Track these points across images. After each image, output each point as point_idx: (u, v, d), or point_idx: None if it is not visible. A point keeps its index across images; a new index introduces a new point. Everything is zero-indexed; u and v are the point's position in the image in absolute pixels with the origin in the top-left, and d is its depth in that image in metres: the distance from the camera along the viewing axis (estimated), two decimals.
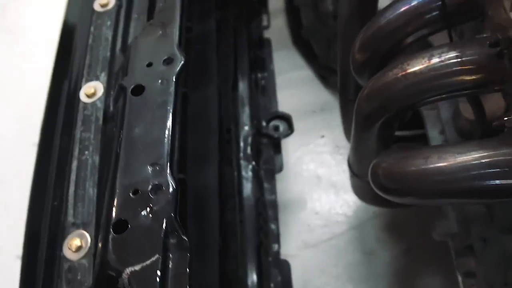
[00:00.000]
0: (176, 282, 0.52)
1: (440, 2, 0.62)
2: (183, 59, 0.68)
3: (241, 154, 1.22)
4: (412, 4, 0.66)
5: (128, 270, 0.53)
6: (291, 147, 1.53)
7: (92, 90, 0.74)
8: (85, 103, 0.74)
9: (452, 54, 0.59)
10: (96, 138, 0.69)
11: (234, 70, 1.34)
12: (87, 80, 0.76)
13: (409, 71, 0.62)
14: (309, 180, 1.50)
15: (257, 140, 1.26)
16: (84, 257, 0.61)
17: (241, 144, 1.24)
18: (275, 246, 1.19)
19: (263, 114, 1.34)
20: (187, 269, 0.53)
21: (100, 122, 0.71)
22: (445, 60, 0.59)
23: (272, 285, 1.13)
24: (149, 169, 0.59)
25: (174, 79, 0.66)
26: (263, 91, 1.41)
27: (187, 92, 1.09)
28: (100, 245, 0.57)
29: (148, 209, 0.56)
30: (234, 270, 1.09)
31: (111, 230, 0.56)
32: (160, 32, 0.72)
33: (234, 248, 1.10)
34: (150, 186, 0.58)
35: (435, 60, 0.60)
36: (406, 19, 0.67)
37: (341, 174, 1.51)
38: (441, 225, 1.00)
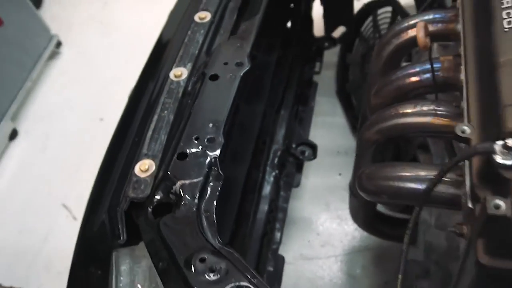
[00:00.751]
0: (209, 198, 0.79)
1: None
2: (249, 65, 0.96)
3: (269, 162, 1.49)
4: (415, 71, 0.93)
5: (180, 182, 0.81)
6: (311, 173, 1.79)
7: (179, 73, 1.04)
8: (172, 80, 1.03)
9: (431, 107, 0.86)
10: (175, 104, 0.98)
11: (281, 98, 1.63)
12: (177, 65, 1.05)
13: (399, 112, 0.89)
14: (319, 206, 1.76)
15: (284, 156, 1.54)
16: (148, 176, 0.88)
17: (271, 155, 1.51)
18: (276, 242, 1.44)
19: (295, 139, 1.62)
20: (217, 193, 0.80)
21: (180, 94, 1.00)
22: (425, 110, 0.86)
23: (266, 270, 1.38)
24: (210, 126, 0.87)
25: (240, 76, 0.95)
26: (300, 122, 1.70)
27: (239, 104, 1.39)
28: (164, 166, 0.85)
29: (203, 149, 0.84)
30: (240, 249, 1.34)
31: (175, 157, 0.84)
32: (238, 44, 1.02)
33: (244, 231, 1.35)
34: (207, 137, 0.86)
35: (418, 108, 0.87)
36: (409, 81, 0.94)
37: (347, 210, 1.76)
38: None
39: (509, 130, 0.56)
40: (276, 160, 1.50)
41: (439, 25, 0.84)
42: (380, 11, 1.79)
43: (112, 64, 2.36)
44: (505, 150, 0.54)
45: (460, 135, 0.61)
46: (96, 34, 2.58)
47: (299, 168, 1.58)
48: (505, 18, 0.65)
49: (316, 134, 1.79)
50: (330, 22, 1.90)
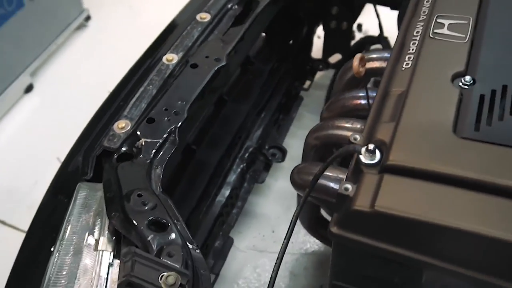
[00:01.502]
0: (162, 156, 0.99)
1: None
2: (225, 62, 1.16)
3: (239, 155, 1.68)
4: (357, 95, 1.12)
5: (143, 140, 1.00)
6: (281, 177, 1.96)
7: (171, 58, 1.24)
8: (163, 63, 1.23)
9: (358, 125, 1.04)
10: (160, 82, 1.17)
11: (265, 103, 1.83)
12: (171, 52, 1.26)
13: (335, 124, 1.08)
14: (281, 207, 1.93)
15: (256, 154, 1.73)
16: (122, 133, 1.07)
17: (243, 150, 1.70)
18: (230, 225, 1.62)
19: (268, 141, 1.81)
20: (170, 154, 0.99)
21: (166, 75, 1.19)
22: (352, 126, 1.04)
23: (214, 246, 1.56)
24: (179, 102, 1.07)
25: (215, 69, 1.14)
26: (278, 128, 1.89)
27: (225, 97, 1.59)
28: (136, 126, 1.04)
29: (168, 118, 1.04)
30: (195, 222, 1.52)
31: (145, 121, 1.04)
32: (222, 44, 1.21)
33: (202, 208, 1.54)
34: (174, 110, 1.05)
35: (349, 124, 1.06)
36: (350, 102, 1.13)
37: None
38: None
39: (377, 138, 0.75)
40: (246, 155, 1.69)
41: (376, 62, 1.03)
42: (372, 46, 1.99)
43: (131, 45, 2.56)
44: (367, 153, 0.73)
45: (352, 142, 0.79)
46: (123, 16, 2.81)
47: (266, 167, 1.76)
48: (405, 61, 0.84)
49: (293, 144, 1.97)
50: (328, 48, 2.09)
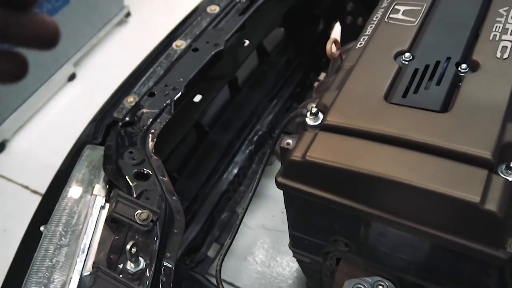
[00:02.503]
0: (158, 123, 1.14)
1: None
2: (222, 47, 1.30)
3: (248, 137, 1.82)
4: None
5: (144, 110, 1.16)
6: None
7: (179, 44, 1.39)
8: (172, 48, 1.39)
9: None
10: (167, 64, 1.33)
11: (278, 90, 1.96)
12: (181, 39, 1.41)
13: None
14: None
15: (264, 137, 1.86)
16: (130, 106, 1.23)
17: (252, 133, 1.84)
18: (236, 201, 1.77)
19: (278, 127, 1.93)
20: (165, 122, 1.15)
21: (174, 59, 1.35)
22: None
23: (220, 218, 1.71)
24: (178, 80, 1.22)
25: (213, 53, 1.29)
26: None
27: (240, 85, 1.73)
28: (140, 99, 1.21)
29: (167, 93, 1.19)
30: (202, 196, 1.68)
31: (148, 94, 1.20)
32: (222, 32, 1.36)
33: (210, 184, 1.69)
34: (173, 86, 1.21)
35: None
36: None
37: None
38: None
39: (321, 103, 0.87)
40: (255, 138, 1.82)
41: (349, 46, 1.15)
42: None
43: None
44: (311, 115, 0.85)
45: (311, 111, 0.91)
46: (161, 13, 3.01)
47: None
48: (360, 41, 0.96)
49: None
50: (344, 42, 2.20)
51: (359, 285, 0.86)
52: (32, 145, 2.43)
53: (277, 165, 2.02)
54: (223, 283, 1.27)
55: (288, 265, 1.88)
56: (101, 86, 2.70)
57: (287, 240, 1.87)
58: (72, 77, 2.64)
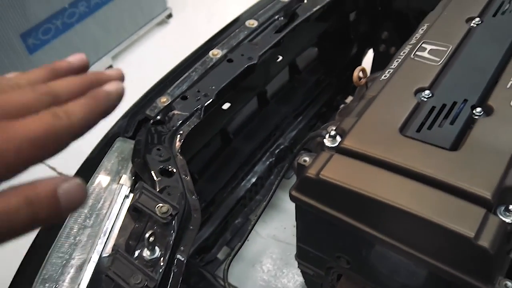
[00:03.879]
0: (187, 125, 1.22)
1: None
2: (256, 61, 1.37)
3: (270, 150, 1.89)
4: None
5: (175, 111, 1.24)
6: None
7: (216, 53, 1.47)
8: (209, 56, 1.46)
9: None
10: (202, 71, 1.41)
11: (304, 108, 2.03)
12: (217, 48, 1.49)
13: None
14: None
15: (285, 151, 1.92)
16: (163, 105, 1.31)
17: (274, 146, 1.91)
18: (251, 209, 1.83)
19: (300, 144, 1.99)
20: (193, 125, 1.22)
21: (209, 66, 1.43)
22: None
23: (233, 223, 1.77)
24: (210, 87, 1.29)
25: (245, 66, 1.36)
26: None
27: (268, 98, 1.80)
28: (172, 101, 1.28)
29: (198, 98, 1.27)
30: (219, 199, 1.74)
31: (180, 97, 1.28)
32: (257, 47, 1.43)
33: (228, 189, 1.76)
34: (205, 93, 1.28)
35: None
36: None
37: None
38: None
39: (340, 128, 0.93)
40: (277, 151, 1.89)
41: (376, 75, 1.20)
42: None
43: None
44: (330, 137, 0.91)
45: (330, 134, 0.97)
46: (201, 18, 3.12)
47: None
48: (385, 74, 1.02)
49: None
50: (375, 69, 2.25)
51: None
52: None
53: (294, 180, 2.09)
54: (229, 285, 1.33)
55: (293, 278, 1.94)
56: (134, 81, 2.79)
57: (295, 253, 1.91)
58: (109, 69, 2.74)
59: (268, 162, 1.87)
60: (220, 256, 1.76)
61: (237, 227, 1.78)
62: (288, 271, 1.96)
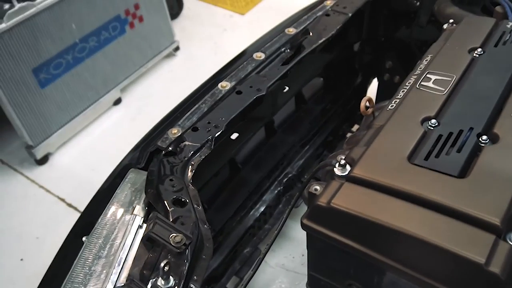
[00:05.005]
0: (198, 156, 1.24)
1: None
2: (264, 92, 1.41)
3: (278, 179, 1.91)
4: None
5: (186, 142, 1.26)
6: None
7: (225, 85, 1.50)
8: (218, 88, 1.49)
9: None
10: (211, 102, 1.44)
11: (311, 137, 2.05)
12: (226, 80, 1.52)
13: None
14: None
15: (293, 180, 1.94)
16: (174, 137, 1.33)
17: (282, 175, 1.93)
18: (260, 238, 1.83)
19: (308, 172, 2.02)
20: (204, 156, 1.24)
21: (218, 98, 1.46)
22: None
23: (243, 252, 1.78)
24: (220, 119, 1.32)
25: (254, 97, 1.39)
26: (320, 163, 2.09)
27: (275, 128, 1.83)
28: (183, 132, 1.31)
29: (209, 129, 1.29)
30: (228, 229, 1.75)
31: (191, 129, 1.31)
32: (265, 79, 1.47)
33: (236, 218, 1.77)
34: (215, 124, 1.31)
35: None
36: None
37: None
38: None
39: (350, 157, 0.95)
40: (284, 180, 1.91)
41: (383, 104, 1.23)
42: None
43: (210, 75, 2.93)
44: (339, 166, 0.94)
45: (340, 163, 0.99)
46: (208, 50, 3.18)
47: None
48: (391, 103, 1.05)
49: None
50: (380, 97, 2.29)
51: None
52: (72, 162, 2.57)
53: (303, 208, 2.10)
54: None
55: None
56: (143, 113, 2.87)
57: (304, 282, 1.91)
58: (117, 101, 2.80)
59: (276, 191, 1.89)
60: (230, 286, 1.76)
61: (246, 256, 1.78)
62: None
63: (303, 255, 2.08)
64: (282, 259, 2.07)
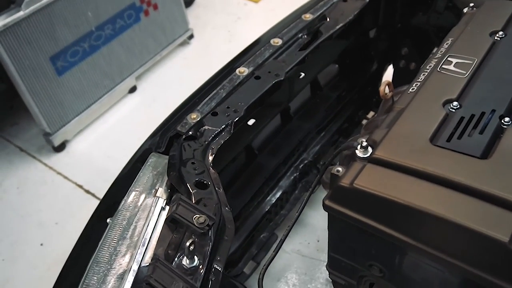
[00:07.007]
0: (217, 140, 1.25)
1: None
2: (282, 77, 1.41)
3: (294, 165, 1.92)
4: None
5: (206, 127, 1.28)
6: None
7: (243, 70, 1.51)
8: (236, 74, 1.50)
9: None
10: (230, 88, 1.45)
11: (326, 123, 2.06)
12: (244, 66, 1.53)
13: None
14: None
15: (309, 166, 1.95)
16: (193, 122, 1.34)
17: (298, 161, 1.93)
18: (277, 223, 1.85)
19: (324, 158, 2.02)
20: (223, 140, 1.25)
21: (236, 83, 1.47)
22: None
23: (259, 237, 1.80)
24: (239, 103, 1.33)
25: (273, 82, 1.40)
26: (335, 149, 2.09)
27: (292, 114, 1.83)
28: (203, 117, 1.32)
29: (228, 114, 1.30)
30: (245, 214, 1.77)
31: (211, 114, 1.32)
32: (283, 64, 1.47)
33: (253, 204, 1.79)
34: (234, 109, 1.32)
35: None
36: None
37: None
38: None
39: (372, 139, 0.96)
40: (300, 166, 1.92)
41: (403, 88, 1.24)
42: None
43: (224, 63, 2.94)
44: (361, 148, 0.94)
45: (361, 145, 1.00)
46: (221, 38, 3.19)
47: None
48: (412, 86, 1.05)
49: None
50: (395, 84, 2.28)
51: None
52: (89, 148, 2.60)
53: (318, 195, 2.11)
54: None
55: None
56: (158, 100, 2.89)
57: (320, 268, 1.92)
58: (133, 89, 2.82)
59: (292, 177, 1.90)
60: (246, 270, 1.78)
61: (262, 241, 1.80)
62: (314, 286, 1.97)
63: (318, 241, 2.09)
64: (298, 245, 2.08)
